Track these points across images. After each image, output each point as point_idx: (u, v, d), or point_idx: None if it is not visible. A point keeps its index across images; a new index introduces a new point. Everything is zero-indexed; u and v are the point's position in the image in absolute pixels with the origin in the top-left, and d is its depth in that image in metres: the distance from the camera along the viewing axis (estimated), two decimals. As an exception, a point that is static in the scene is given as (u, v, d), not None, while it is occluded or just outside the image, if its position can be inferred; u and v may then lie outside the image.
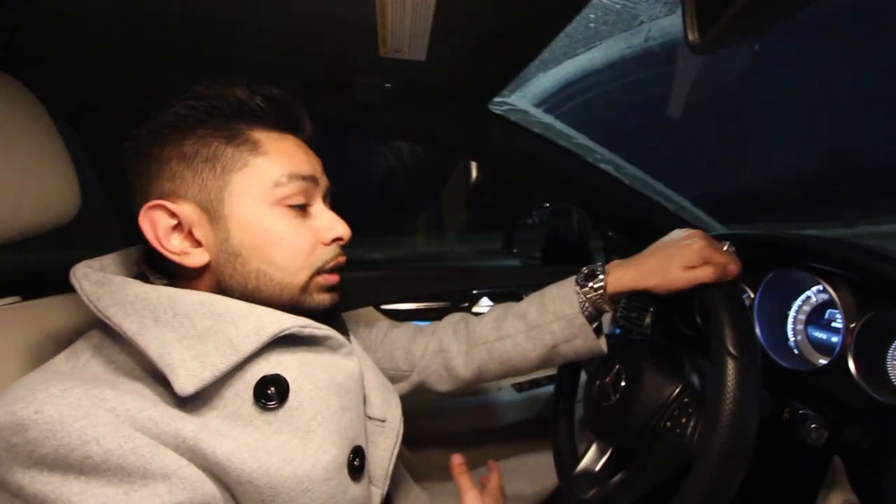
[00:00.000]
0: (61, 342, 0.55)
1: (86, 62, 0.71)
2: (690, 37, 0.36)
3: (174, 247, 0.48)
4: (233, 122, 0.49)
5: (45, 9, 0.56)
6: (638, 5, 0.56)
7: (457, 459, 0.64)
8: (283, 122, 0.53)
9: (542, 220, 1.30)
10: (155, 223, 0.47)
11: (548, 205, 1.31)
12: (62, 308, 0.59)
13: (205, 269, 0.49)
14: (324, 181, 0.54)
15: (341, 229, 0.54)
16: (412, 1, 0.52)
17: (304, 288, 0.52)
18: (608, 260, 1.20)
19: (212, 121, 0.49)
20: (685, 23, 0.37)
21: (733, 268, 0.57)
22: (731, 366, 0.48)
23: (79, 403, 0.37)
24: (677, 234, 0.63)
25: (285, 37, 0.64)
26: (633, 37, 0.64)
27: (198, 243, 0.48)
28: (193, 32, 0.63)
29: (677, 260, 0.58)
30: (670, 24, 0.59)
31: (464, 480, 0.61)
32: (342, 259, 0.55)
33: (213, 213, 0.48)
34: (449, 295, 1.15)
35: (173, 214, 0.47)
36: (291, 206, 0.50)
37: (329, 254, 0.53)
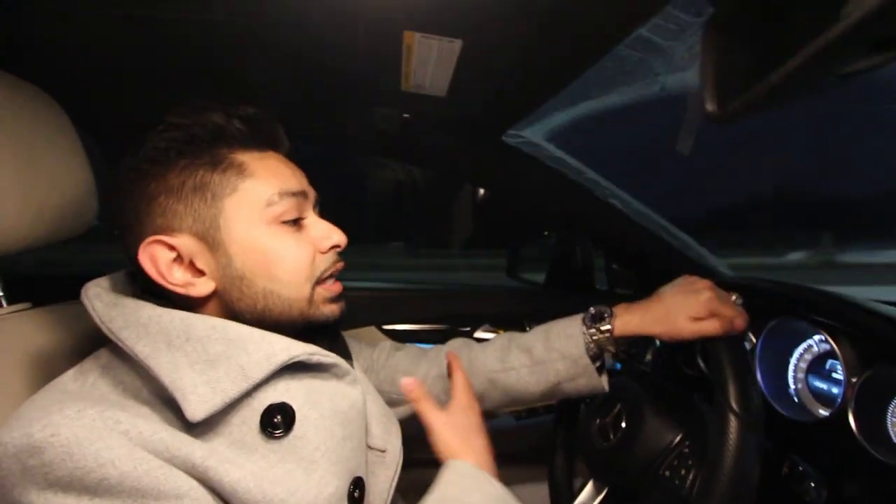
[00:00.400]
0: (71, 350, 0.56)
1: (109, 72, 0.72)
2: (709, 107, 0.37)
3: (178, 279, 0.47)
4: (213, 148, 0.49)
5: (72, 21, 0.58)
6: (656, 60, 0.58)
7: (407, 384, 0.59)
8: (263, 141, 0.52)
9: (547, 247, 1.31)
10: (155, 259, 0.47)
11: (546, 233, 1.33)
12: (72, 315, 0.59)
13: (212, 295, 0.49)
14: (312, 193, 0.55)
15: (337, 236, 0.54)
16: (438, 46, 0.54)
17: (310, 300, 0.52)
18: (612, 291, 1.21)
19: (192, 149, 0.48)
20: (704, 93, 0.38)
21: (740, 322, 0.57)
22: (733, 423, 0.48)
23: (93, 426, 0.37)
24: (685, 281, 0.63)
25: (310, 66, 0.65)
26: (648, 87, 0.65)
27: (201, 273, 0.48)
28: (221, 53, 0.64)
29: (684, 310, 0.59)
30: (686, 78, 0.60)
31: (424, 407, 0.57)
32: (340, 265, 0.56)
33: (211, 241, 0.48)
34: (451, 318, 1.16)
35: (172, 248, 0.47)
36: (286, 222, 0.50)
37: (328, 261, 0.54)
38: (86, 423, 0.37)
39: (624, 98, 0.71)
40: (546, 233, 1.28)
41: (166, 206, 0.47)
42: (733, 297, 0.60)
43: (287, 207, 0.50)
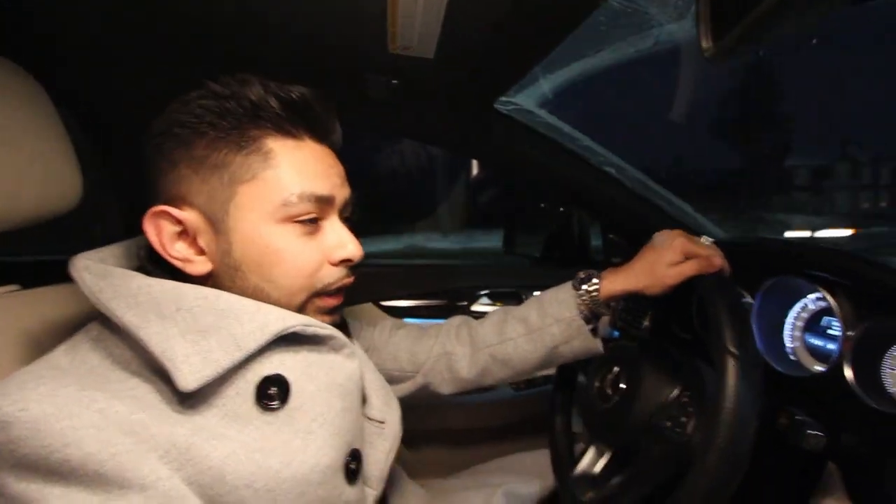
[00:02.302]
0: (61, 331, 0.55)
1: (89, 48, 0.70)
2: (704, 44, 0.36)
3: (178, 253, 0.47)
4: (246, 127, 0.46)
5: None
6: (649, 9, 0.56)
7: None
8: (303, 127, 0.49)
9: (543, 220, 1.30)
10: (160, 228, 0.46)
11: (543, 205, 1.32)
12: (63, 297, 0.59)
13: (207, 276, 0.48)
14: (342, 194, 0.51)
15: (352, 248, 0.50)
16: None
17: (301, 308, 0.49)
18: (607, 261, 1.21)
19: (224, 123, 0.45)
20: (699, 30, 0.37)
21: (716, 259, 0.60)
22: (731, 364, 0.48)
23: (65, 403, 0.36)
24: (657, 235, 0.67)
25: (291, 30, 0.63)
26: (642, 40, 0.64)
27: (201, 251, 0.47)
28: (200, 23, 0.62)
29: (661, 259, 0.62)
30: (680, 28, 0.59)
31: None
32: (349, 280, 0.52)
33: (217, 223, 0.46)
34: (448, 293, 1.16)
35: (178, 221, 0.46)
36: (300, 222, 0.47)
37: (335, 275, 0.51)
38: (58, 400, 0.36)
39: (617, 55, 0.69)
40: (542, 205, 1.27)
41: (185, 176, 0.46)
42: (702, 239, 0.64)
43: (304, 210, 0.47)
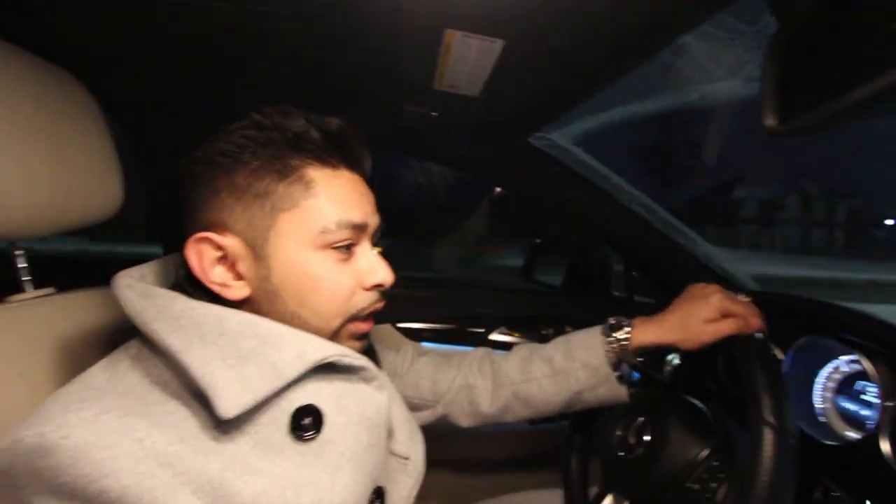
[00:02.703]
0: (94, 336, 0.56)
1: (138, 59, 0.71)
2: (768, 122, 0.36)
3: (217, 278, 0.47)
4: (288, 156, 0.47)
5: (102, 5, 0.57)
6: (696, 67, 0.56)
7: None
8: (340, 157, 0.50)
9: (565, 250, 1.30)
10: (201, 254, 0.47)
11: (538, 241, 1.32)
12: (96, 301, 0.59)
13: (244, 301, 0.48)
14: (374, 221, 0.52)
15: (384, 274, 0.51)
16: (478, 46, 0.53)
17: (336, 333, 0.50)
18: (630, 299, 1.20)
19: (266, 153, 0.47)
20: (763, 105, 0.37)
21: (754, 320, 0.59)
22: (768, 435, 0.47)
23: (106, 431, 0.37)
24: (693, 288, 0.66)
25: (345, 59, 0.64)
26: (687, 94, 0.64)
27: (240, 277, 0.48)
28: (247, 44, 0.63)
29: (697, 315, 0.61)
30: (728, 87, 0.58)
31: None
32: (380, 305, 0.53)
33: (257, 250, 0.47)
34: (466, 318, 1.15)
35: (220, 247, 0.47)
36: (336, 248, 0.49)
37: (367, 300, 0.51)
38: (99, 427, 0.37)
39: (659, 105, 0.69)
40: (567, 236, 1.27)
41: (227, 204, 0.47)
42: (740, 296, 0.63)
43: (342, 237, 0.48)
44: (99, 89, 0.63)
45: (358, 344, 0.52)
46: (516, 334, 1.16)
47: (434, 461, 1.05)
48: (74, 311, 0.57)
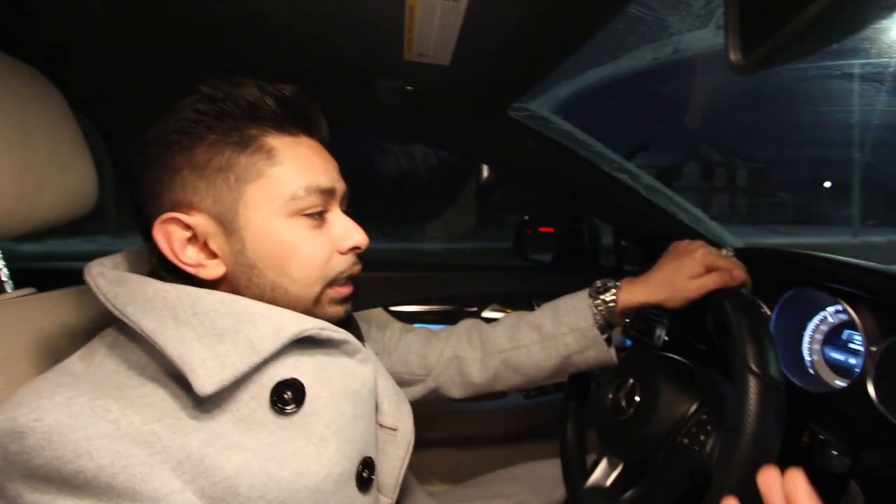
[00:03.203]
0: (76, 335, 0.55)
1: (104, 52, 0.70)
2: (732, 57, 0.35)
3: (190, 259, 0.46)
4: (244, 127, 0.47)
5: (70, 3, 0.56)
6: (669, 17, 0.55)
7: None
8: (298, 124, 0.50)
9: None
10: (170, 236, 0.46)
11: (526, 218, 1.32)
12: (77, 300, 0.59)
13: (220, 279, 0.48)
14: (341, 187, 0.52)
15: (358, 236, 0.52)
16: (442, 7, 0.51)
17: (317, 300, 0.50)
18: (620, 268, 1.20)
19: (222, 125, 0.46)
20: (727, 42, 0.36)
21: (738, 273, 0.59)
22: (753, 383, 0.47)
23: (80, 413, 0.36)
24: (676, 246, 0.66)
25: (309, 36, 0.63)
26: (661, 48, 0.63)
27: (213, 255, 0.47)
28: (214, 26, 0.62)
29: (682, 272, 0.61)
30: (700, 37, 0.58)
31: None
32: (357, 268, 0.53)
33: (227, 224, 0.46)
34: (458, 298, 1.15)
35: (188, 227, 0.46)
36: (308, 215, 0.49)
37: (345, 263, 0.52)
38: (73, 410, 0.36)
39: (635, 63, 0.68)
40: (525, 217, 1.27)
41: (188, 182, 0.46)
42: (724, 251, 0.63)
43: (312, 203, 0.48)
44: (66, 84, 0.61)
45: (341, 308, 0.53)
46: (509, 310, 1.16)
47: (433, 440, 1.07)
48: (56, 310, 0.56)
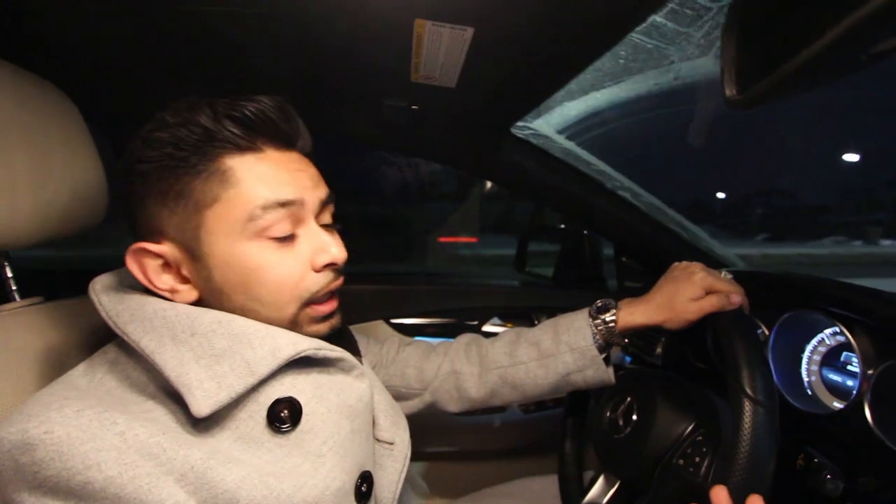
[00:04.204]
0: (81, 344, 0.56)
1: (118, 65, 0.72)
2: (728, 92, 0.37)
3: (164, 284, 0.46)
4: (203, 150, 0.45)
5: (81, 14, 0.57)
6: (670, 46, 0.57)
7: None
8: (261, 139, 0.47)
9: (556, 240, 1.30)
10: (142, 265, 0.46)
11: (562, 226, 1.32)
12: (84, 310, 0.59)
13: (197, 302, 0.48)
14: (315, 196, 0.49)
15: (335, 251, 0.49)
16: (450, 35, 0.53)
17: (294, 321, 0.49)
18: (621, 285, 1.21)
19: (179, 153, 0.44)
20: (723, 78, 0.37)
21: (736, 297, 0.59)
22: (748, 407, 0.48)
23: (88, 426, 0.37)
24: (676, 268, 0.66)
25: (319, 55, 0.65)
26: (661, 75, 0.64)
27: (186, 280, 0.47)
28: (228, 44, 0.64)
29: (681, 294, 0.61)
30: (702, 65, 0.59)
31: None
32: (337, 283, 0.51)
33: (192, 252, 0.46)
34: (459, 311, 1.16)
35: (158, 255, 0.46)
36: (273, 238, 0.46)
37: (321, 281, 0.49)
38: (82, 422, 0.37)
39: (636, 88, 0.70)
40: (561, 226, 1.28)
41: (153, 211, 0.46)
42: (722, 273, 0.63)
43: (273, 221, 0.46)
44: (81, 98, 0.63)
45: (322, 326, 0.51)
46: (510, 325, 1.16)
47: (431, 453, 1.07)
48: (62, 319, 0.57)
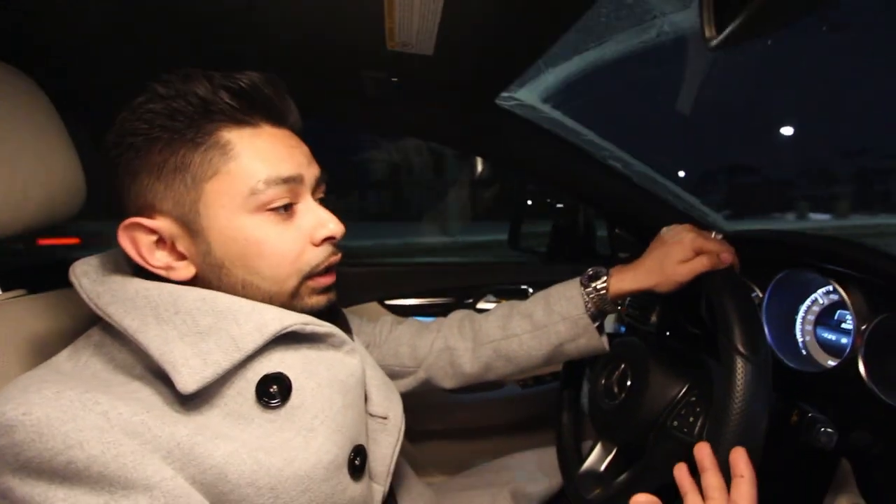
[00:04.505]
0: (66, 336, 0.55)
1: (89, 50, 0.70)
2: (707, 33, 0.35)
3: (158, 262, 0.46)
4: (198, 124, 0.44)
5: (51, 2, 0.55)
6: (650, 4, 0.55)
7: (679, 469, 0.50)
8: (260, 114, 0.47)
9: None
10: (136, 241, 0.45)
11: (549, 200, 1.31)
12: (67, 302, 0.59)
13: (195, 278, 0.47)
14: (311, 173, 0.50)
15: (333, 226, 0.50)
16: (421, -6, 0.51)
17: (295, 293, 0.49)
18: (614, 256, 1.20)
19: (175, 124, 0.44)
20: (702, 19, 0.36)
21: (727, 255, 0.59)
22: (739, 364, 0.48)
23: (69, 406, 0.37)
24: (666, 231, 0.65)
25: (290, 29, 0.63)
26: (644, 32, 0.63)
27: (182, 256, 0.46)
28: (198, 24, 0.62)
29: (671, 256, 0.61)
30: (684, 18, 0.57)
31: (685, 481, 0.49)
32: (335, 258, 0.52)
33: (191, 226, 0.45)
34: (453, 291, 1.15)
35: (152, 230, 0.45)
36: (274, 209, 0.47)
37: (320, 255, 0.50)
38: (62, 403, 0.37)
39: (619, 47, 0.68)
40: (548, 199, 1.26)
41: (147, 185, 0.45)
42: (713, 234, 0.62)
43: (274, 195, 0.46)
44: (50, 84, 0.61)
45: (322, 298, 0.52)
46: (503, 301, 1.16)
47: (429, 430, 1.08)
48: (46, 312, 0.57)
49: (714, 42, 0.35)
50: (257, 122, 0.47)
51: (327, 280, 0.52)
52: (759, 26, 0.31)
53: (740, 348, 0.48)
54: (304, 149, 0.51)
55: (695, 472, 0.48)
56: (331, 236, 0.50)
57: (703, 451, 0.47)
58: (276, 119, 0.49)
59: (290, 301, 0.49)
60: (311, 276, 0.50)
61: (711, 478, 0.45)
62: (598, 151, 0.98)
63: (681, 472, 0.49)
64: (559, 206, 1.27)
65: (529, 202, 1.32)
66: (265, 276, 0.48)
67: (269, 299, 0.48)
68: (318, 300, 0.51)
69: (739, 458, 0.45)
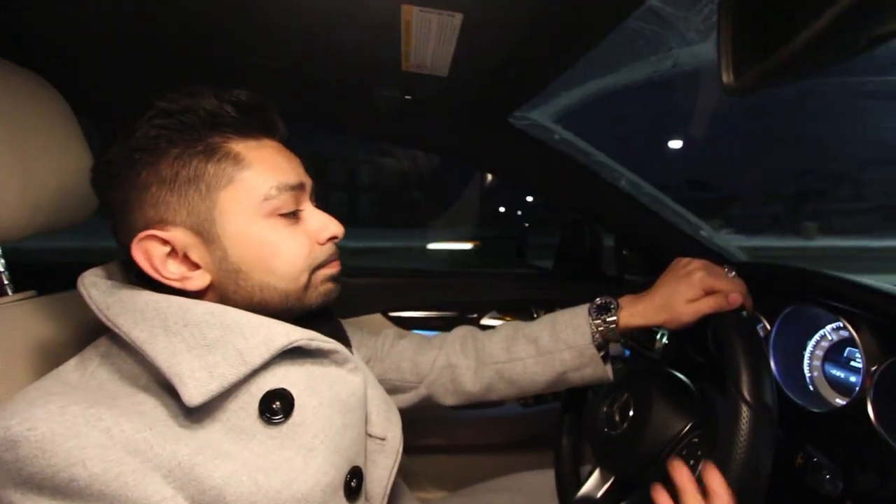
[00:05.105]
0: (75, 339, 0.55)
1: (106, 54, 0.71)
2: (725, 78, 0.35)
3: (173, 273, 0.46)
4: (207, 136, 0.46)
5: (69, 4, 0.56)
6: (668, 31, 0.55)
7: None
8: (258, 127, 0.50)
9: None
10: (149, 254, 0.46)
11: (527, 224, 1.30)
12: (77, 304, 0.59)
13: (208, 287, 0.48)
14: (308, 182, 0.53)
15: (335, 227, 0.53)
16: (438, 21, 0.51)
17: (307, 286, 0.52)
18: (621, 278, 1.19)
19: (185, 137, 0.45)
20: (720, 63, 0.36)
21: (735, 296, 0.57)
22: (745, 413, 0.47)
23: (73, 422, 0.37)
24: (677, 265, 0.64)
25: (308, 46, 0.64)
26: (660, 62, 0.62)
27: (196, 266, 0.47)
28: (217, 33, 0.63)
29: (680, 294, 0.60)
30: (702, 51, 0.57)
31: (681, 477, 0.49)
32: (336, 254, 0.55)
33: (206, 234, 0.46)
34: (457, 304, 1.15)
35: (165, 242, 0.46)
36: (283, 215, 0.49)
37: (326, 252, 0.53)
38: (66, 419, 0.37)
39: (634, 75, 0.68)
40: (560, 217, 1.26)
41: (159, 198, 0.46)
42: (725, 270, 0.61)
43: (284, 201, 0.49)
44: (68, 88, 0.62)
45: (332, 285, 0.54)
46: (508, 318, 1.15)
47: (428, 447, 1.07)
48: (55, 314, 0.57)
49: (730, 88, 0.35)
50: (258, 135, 0.50)
51: (334, 269, 0.54)
52: (776, 77, 0.31)
53: (747, 397, 0.47)
54: (298, 160, 0.54)
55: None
56: (334, 236, 0.54)
57: (713, 476, 0.46)
58: (272, 131, 0.52)
59: (304, 293, 0.52)
60: (319, 267, 0.53)
61: None
62: (608, 172, 0.98)
63: (658, 493, 0.50)
64: (566, 220, 1.26)
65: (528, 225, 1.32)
66: (282, 275, 0.50)
67: (286, 297, 0.50)
68: (329, 288, 0.54)
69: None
